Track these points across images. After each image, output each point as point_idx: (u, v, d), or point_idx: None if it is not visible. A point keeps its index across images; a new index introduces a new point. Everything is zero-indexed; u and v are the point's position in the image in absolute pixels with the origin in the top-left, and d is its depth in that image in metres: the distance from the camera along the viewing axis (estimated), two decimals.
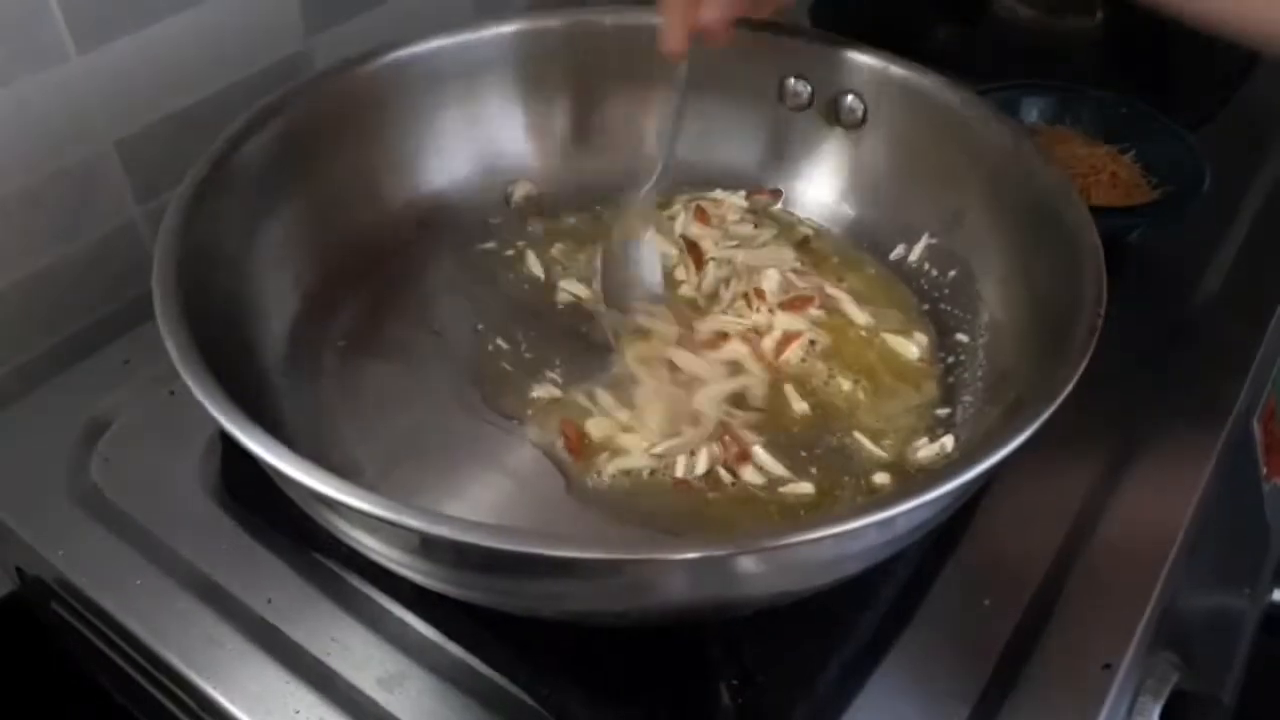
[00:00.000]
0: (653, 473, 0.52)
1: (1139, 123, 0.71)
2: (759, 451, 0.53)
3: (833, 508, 0.51)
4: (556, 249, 0.65)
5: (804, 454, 0.53)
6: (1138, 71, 0.84)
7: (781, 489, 0.52)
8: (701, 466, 0.52)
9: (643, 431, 0.54)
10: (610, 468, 0.52)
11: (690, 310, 0.60)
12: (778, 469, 0.52)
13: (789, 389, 0.56)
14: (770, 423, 0.55)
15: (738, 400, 0.55)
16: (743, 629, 0.47)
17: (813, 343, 0.58)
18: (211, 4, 0.65)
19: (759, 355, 0.57)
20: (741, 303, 0.60)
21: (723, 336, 0.58)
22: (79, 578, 0.52)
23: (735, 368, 0.57)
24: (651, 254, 0.62)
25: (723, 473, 0.52)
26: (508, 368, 0.58)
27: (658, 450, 0.53)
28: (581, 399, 0.56)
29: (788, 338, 0.58)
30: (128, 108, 0.63)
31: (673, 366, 0.56)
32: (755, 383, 0.56)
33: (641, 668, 0.47)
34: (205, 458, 0.56)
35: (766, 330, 0.58)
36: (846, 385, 0.57)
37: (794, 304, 0.59)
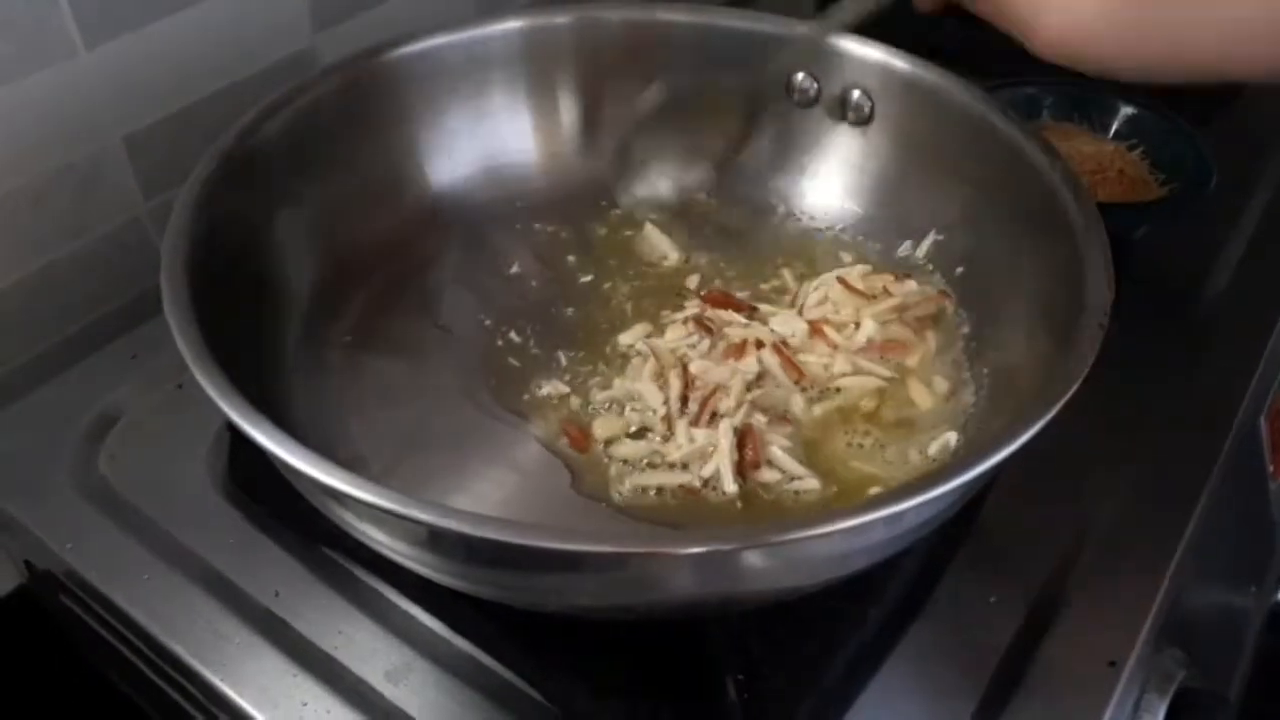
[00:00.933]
0: (680, 488, 0.51)
1: (1146, 120, 0.71)
2: (777, 453, 0.52)
3: (839, 504, 0.51)
4: (563, 245, 0.65)
5: (820, 454, 0.53)
6: None
7: (787, 486, 0.52)
8: (711, 470, 0.51)
9: (659, 443, 0.53)
10: (629, 483, 0.52)
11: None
12: (797, 469, 0.52)
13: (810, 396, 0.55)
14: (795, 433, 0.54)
15: (763, 407, 0.54)
16: (748, 624, 0.48)
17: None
18: (219, 0, 0.65)
19: (790, 366, 0.56)
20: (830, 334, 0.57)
21: (757, 344, 0.56)
22: (87, 571, 0.52)
23: (761, 374, 0.55)
24: None
25: (732, 474, 0.51)
26: (515, 363, 0.58)
27: (673, 458, 0.52)
28: (587, 397, 0.56)
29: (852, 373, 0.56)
30: (135, 104, 0.64)
31: (686, 371, 0.55)
32: (784, 391, 0.55)
33: (647, 662, 0.47)
34: (212, 452, 0.56)
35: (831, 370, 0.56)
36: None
37: (885, 347, 0.57)
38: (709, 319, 0.58)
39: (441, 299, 0.62)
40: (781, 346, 0.56)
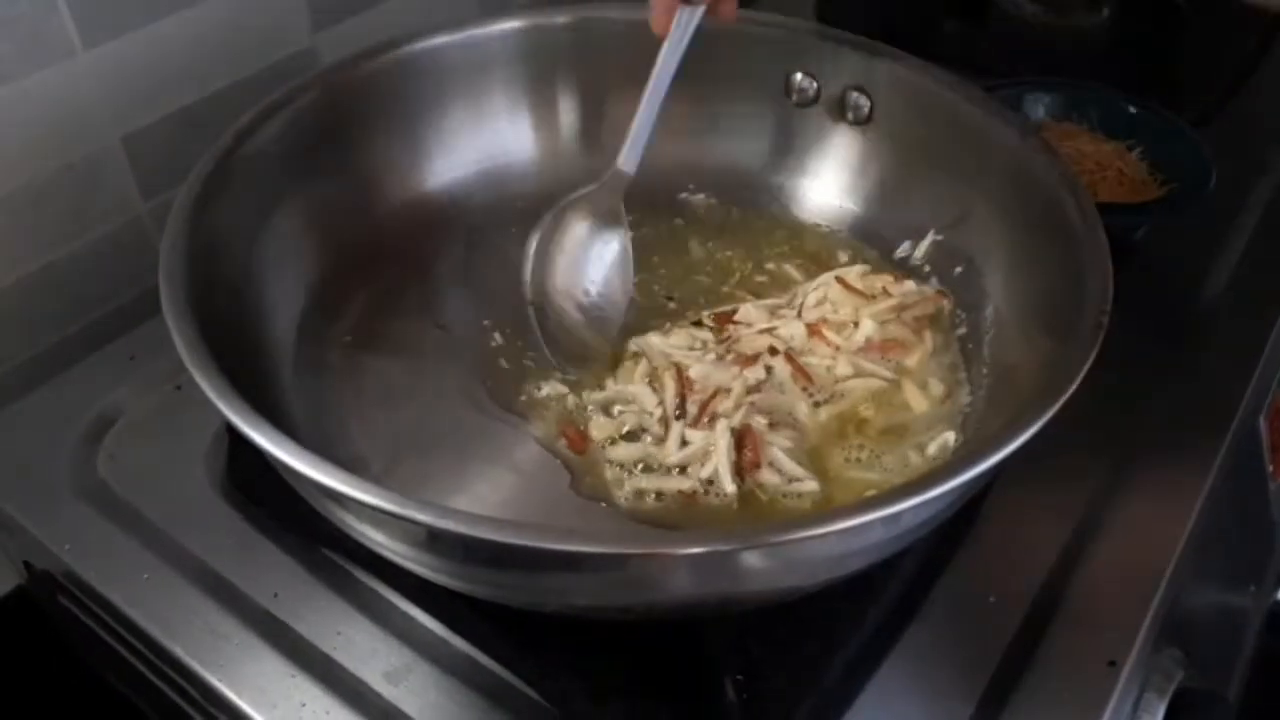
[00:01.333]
0: (679, 493, 0.51)
1: (1146, 120, 0.71)
2: (777, 454, 0.52)
3: (837, 504, 0.51)
4: None
5: (820, 464, 0.53)
6: (1144, 68, 0.84)
7: (786, 488, 0.51)
8: (710, 470, 0.51)
9: (653, 445, 0.53)
10: (629, 486, 0.52)
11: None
12: (796, 470, 0.52)
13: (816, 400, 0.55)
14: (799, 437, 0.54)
15: (765, 410, 0.54)
16: (747, 624, 0.47)
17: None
18: (218, 0, 0.65)
19: (800, 374, 0.55)
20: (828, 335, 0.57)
21: (770, 352, 0.55)
22: (86, 572, 0.52)
23: (768, 378, 0.55)
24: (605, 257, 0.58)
25: (730, 474, 0.51)
26: (513, 364, 0.58)
27: (669, 461, 0.52)
28: (584, 398, 0.56)
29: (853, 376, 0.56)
30: (134, 104, 0.64)
31: (681, 374, 0.55)
32: (789, 398, 0.55)
33: (646, 662, 0.47)
34: (211, 452, 0.56)
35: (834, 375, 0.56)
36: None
37: (884, 347, 0.57)
38: (724, 330, 0.58)
39: (441, 299, 0.62)
40: (792, 355, 0.56)
